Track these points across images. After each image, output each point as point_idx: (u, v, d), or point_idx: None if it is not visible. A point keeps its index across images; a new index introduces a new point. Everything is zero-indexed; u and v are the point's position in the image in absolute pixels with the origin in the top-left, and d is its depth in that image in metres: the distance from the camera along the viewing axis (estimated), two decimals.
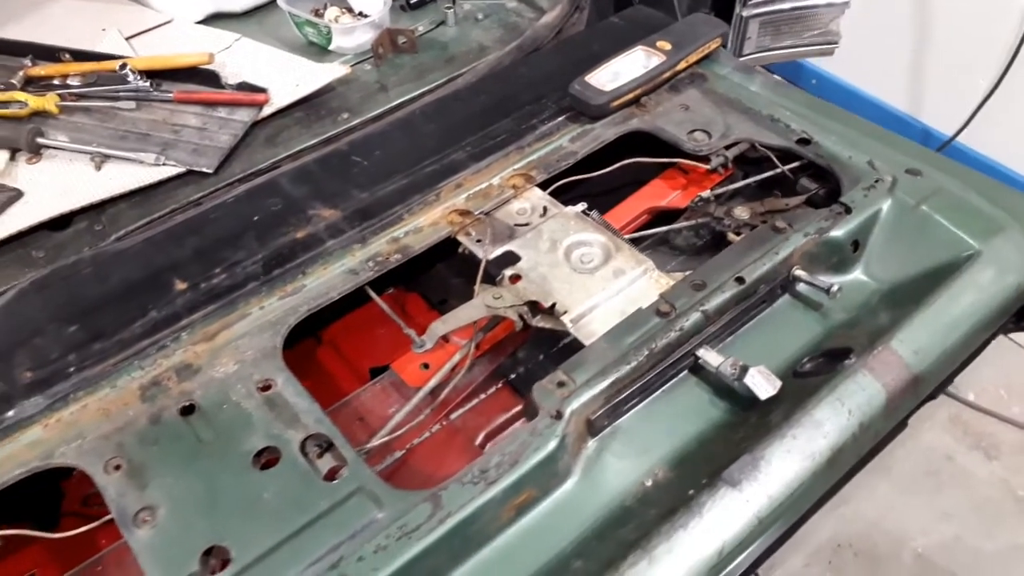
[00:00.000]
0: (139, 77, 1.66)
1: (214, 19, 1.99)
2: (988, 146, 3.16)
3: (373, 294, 1.31)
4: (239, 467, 1.06)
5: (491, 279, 1.31)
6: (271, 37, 1.93)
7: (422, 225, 1.39)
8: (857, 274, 1.33)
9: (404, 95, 1.72)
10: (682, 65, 1.61)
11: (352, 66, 1.80)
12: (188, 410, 1.13)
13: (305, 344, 1.45)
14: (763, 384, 1.11)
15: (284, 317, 1.24)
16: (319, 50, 1.88)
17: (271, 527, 0.99)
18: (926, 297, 1.20)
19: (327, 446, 1.08)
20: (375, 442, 1.16)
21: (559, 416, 1.07)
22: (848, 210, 1.32)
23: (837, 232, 1.30)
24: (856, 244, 1.32)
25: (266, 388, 1.15)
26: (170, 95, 1.67)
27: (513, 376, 1.36)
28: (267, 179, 1.48)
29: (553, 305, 1.25)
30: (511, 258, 1.33)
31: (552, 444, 1.05)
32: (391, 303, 1.47)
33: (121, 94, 1.67)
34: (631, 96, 1.55)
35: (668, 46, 1.60)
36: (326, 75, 1.71)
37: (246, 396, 1.13)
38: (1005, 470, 2.48)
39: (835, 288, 1.23)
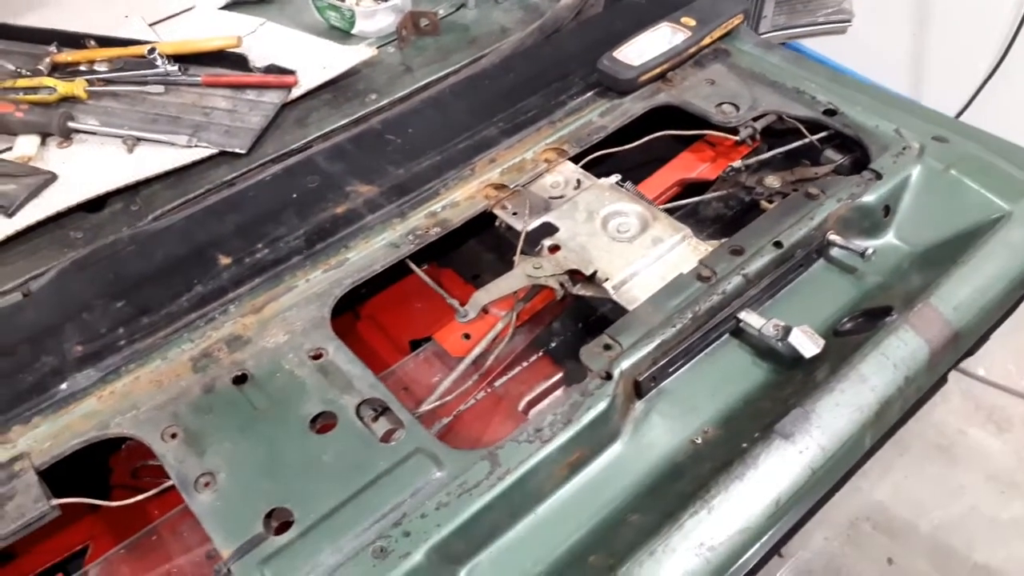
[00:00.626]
0: (167, 61, 1.67)
1: (235, 6, 2.00)
2: (990, 126, 3.19)
3: (414, 267, 1.33)
4: (296, 432, 1.07)
5: (530, 251, 1.33)
6: (293, 23, 1.94)
7: (459, 199, 1.40)
8: (890, 238, 1.35)
9: (430, 76, 1.74)
10: (706, 40, 1.63)
11: (377, 48, 1.82)
12: (241, 379, 1.14)
13: (344, 319, 1.46)
14: (807, 343, 1.14)
15: (330, 289, 1.25)
16: (342, 34, 1.89)
17: (332, 488, 1.01)
18: (961, 256, 1.22)
19: (382, 410, 1.10)
20: (425, 407, 1.18)
21: (608, 377, 1.09)
22: (879, 176, 1.35)
23: (869, 197, 1.33)
24: (887, 209, 1.35)
25: (318, 356, 1.16)
26: (198, 79, 1.68)
27: (552, 345, 1.38)
28: (303, 157, 1.50)
29: (594, 273, 1.27)
30: (549, 229, 1.35)
31: (603, 404, 1.07)
32: (421, 281, 1.50)
33: (149, 79, 1.68)
34: (658, 71, 1.57)
35: (693, 22, 1.62)
36: (353, 57, 1.72)
37: (298, 364, 1.15)
38: (1017, 442, 2.52)
39: (870, 251, 1.26)
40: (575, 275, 1.29)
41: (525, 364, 1.33)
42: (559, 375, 1.33)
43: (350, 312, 1.48)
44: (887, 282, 1.30)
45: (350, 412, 1.08)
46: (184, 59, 1.71)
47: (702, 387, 1.17)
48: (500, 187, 1.42)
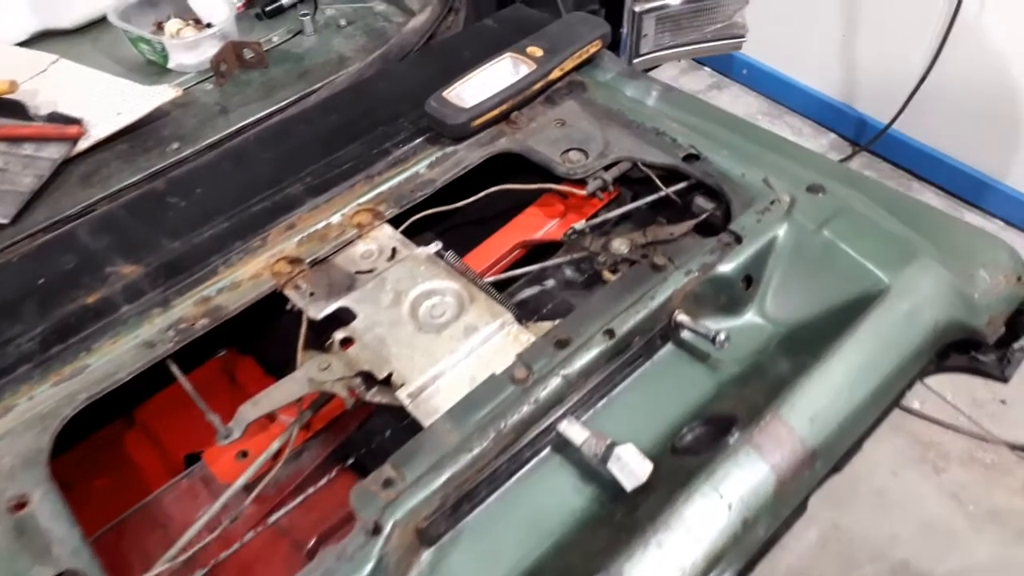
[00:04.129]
0: None
1: (42, 38, 1.75)
2: (924, 133, 3.03)
3: (176, 370, 1.09)
4: None
5: (320, 345, 1.10)
6: (106, 57, 1.69)
7: (241, 279, 1.16)
8: (751, 315, 1.14)
9: (247, 117, 1.49)
10: (556, 73, 1.40)
11: (192, 87, 1.57)
12: None
13: (113, 427, 1.22)
14: (630, 470, 0.92)
15: (57, 409, 1.01)
16: (159, 69, 1.64)
17: None
18: (824, 346, 1.00)
19: None
20: (157, 569, 0.94)
21: (377, 531, 0.86)
22: (738, 239, 1.13)
23: (725, 267, 1.11)
24: (749, 280, 1.13)
25: (19, 507, 0.92)
26: None
27: (356, 457, 1.14)
28: (63, 231, 1.25)
29: (389, 375, 1.04)
30: (346, 316, 1.12)
31: (366, 569, 0.84)
32: (217, 371, 1.26)
33: None
34: (497, 112, 1.34)
35: (539, 52, 1.39)
36: (151, 100, 1.47)
37: None
38: (954, 484, 2.33)
39: (722, 336, 1.04)
40: (369, 378, 1.06)
41: (316, 487, 1.10)
42: None
43: (124, 417, 1.24)
44: (747, 371, 1.08)
45: None
46: None
47: (508, 526, 0.95)
48: (295, 261, 1.18)
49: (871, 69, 3.10)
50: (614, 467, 0.93)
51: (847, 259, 1.11)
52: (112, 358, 1.07)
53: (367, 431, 1.18)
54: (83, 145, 1.43)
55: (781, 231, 1.14)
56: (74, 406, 1.01)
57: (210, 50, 1.61)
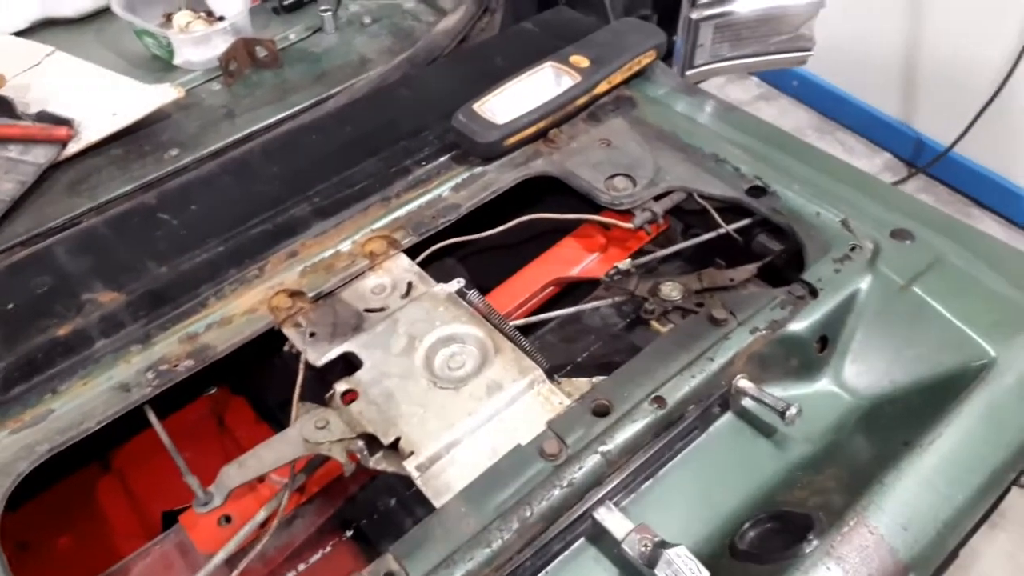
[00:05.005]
0: None
1: (43, 27, 1.61)
2: (988, 156, 2.81)
3: (153, 418, 0.94)
4: None
5: (319, 397, 0.95)
6: (109, 50, 1.56)
7: (233, 314, 1.02)
8: (825, 383, 0.96)
9: (255, 123, 1.35)
10: (603, 87, 1.23)
11: (197, 86, 1.43)
12: None
13: (86, 472, 1.08)
14: None
15: (12, 463, 0.87)
16: (164, 65, 1.50)
17: None
18: (920, 430, 0.83)
19: None
20: None
21: None
22: (814, 292, 0.96)
23: (798, 325, 0.94)
24: (824, 341, 0.96)
25: None
26: None
27: (357, 526, 0.99)
28: (39, 248, 1.11)
29: (397, 440, 0.89)
30: (351, 363, 0.96)
31: None
32: (206, 411, 1.12)
33: None
34: (534, 130, 1.18)
35: (585, 62, 1.23)
36: (151, 101, 1.33)
37: None
38: (1010, 543, 2.13)
39: (793, 410, 0.87)
40: (373, 441, 0.90)
41: (310, 561, 0.95)
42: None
43: (97, 462, 1.09)
44: (820, 453, 0.91)
45: None
46: None
47: None
48: (296, 294, 1.03)
49: (933, 86, 2.89)
50: (664, 573, 0.76)
51: (943, 323, 0.94)
52: (81, 403, 0.92)
53: (371, 493, 1.03)
54: (73, 148, 1.29)
55: (864, 284, 0.97)
56: (32, 460, 0.87)
57: (220, 46, 1.47)
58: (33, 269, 1.07)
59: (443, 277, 1.06)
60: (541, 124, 1.18)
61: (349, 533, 0.98)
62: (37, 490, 1.04)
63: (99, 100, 1.34)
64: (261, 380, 1.14)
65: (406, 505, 1.01)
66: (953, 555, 0.84)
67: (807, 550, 0.76)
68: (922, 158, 2.95)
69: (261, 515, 0.91)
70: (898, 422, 0.89)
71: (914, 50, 2.85)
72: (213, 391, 1.15)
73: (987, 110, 2.64)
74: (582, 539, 0.85)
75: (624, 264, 1.08)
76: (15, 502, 0.93)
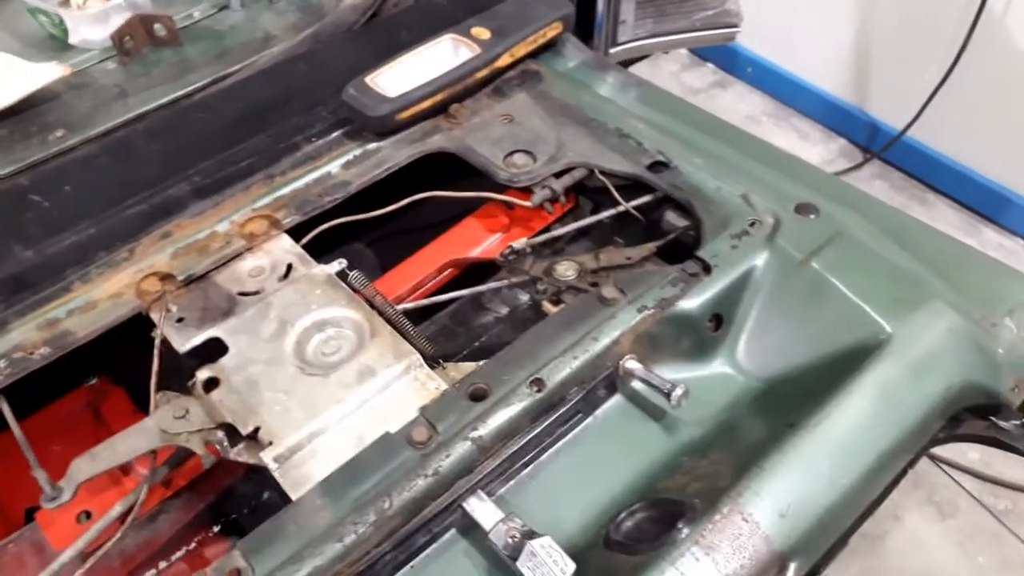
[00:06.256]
0: None
1: None
2: (941, 141, 2.80)
3: (6, 408, 0.88)
4: None
5: (181, 385, 0.89)
6: (5, 30, 1.48)
7: (98, 298, 0.95)
8: (718, 365, 0.92)
9: (149, 103, 1.27)
10: (505, 60, 1.18)
11: (91, 66, 1.36)
12: None
13: None
14: (545, 570, 0.70)
15: None
16: (60, 45, 1.43)
17: None
18: (806, 413, 0.79)
19: None
20: None
21: None
22: (707, 268, 0.91)
23: (689, 303, 0.89)
24: (718, 320, 0.91)
25: None
26: None
27: (229, 521, 0.94)
28: None
29: (257, 430, 0.83)
30: (216, 349, 0.91)
31: None
32: (83, 403, 1.05)
33: None
34: (430, 103, 1.12)
35: (487, 34, 1.17)
36: (35, 79, 1.26)
37: None
38: (960, 532, 2.11)
39: (679, 391, 0.82)
40: (233, 431, 0.84)
41: (172, 559, 0.89)
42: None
43: None
44: (708, 436, 0.86)
45: None
46: None
47: None
48: (167, 277, 0.97)
49: (886, 70, 2.87)
50: (525, 566, 0.71)
51: (841, 299, 0.89)
52: None
53: (252, 486, 0.98)
54: None
55: (760, 260, 0.93)
56: None
57: (118, 24, 1.40)
58: None
59: (334, 260, 1.00)
60: (438, 97, 1.12)
61: (217, 528, 0.92)
62: None
63: None
64: (139, 370, 1.07)
65: (287, 497, 0.96)
66: (842, 541, 0.80)
67: (677, 539, 0.71)
68: (876, 143, 2.93)
69: (117, 509, 0.85)
70: (791, 404, 0.84)
71: (866, 33, 2.82)
72: (94, 382, 1.09)
73: (938, 93, 2.61)
74: (452, 531, 0.80)
75: (519, 244, 1.03)
76: None
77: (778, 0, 3.03)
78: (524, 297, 1.12)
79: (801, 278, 0.91)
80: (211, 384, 0.87)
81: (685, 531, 0.71)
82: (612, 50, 1.52)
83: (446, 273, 1.11)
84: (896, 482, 0.84)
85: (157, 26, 1.38)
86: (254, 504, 0.96)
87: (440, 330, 1.07)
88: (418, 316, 1.04)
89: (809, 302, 0.90)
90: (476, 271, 1.13)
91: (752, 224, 0.95)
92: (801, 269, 0.92)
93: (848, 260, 0.92)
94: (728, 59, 3.32)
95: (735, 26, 1.56)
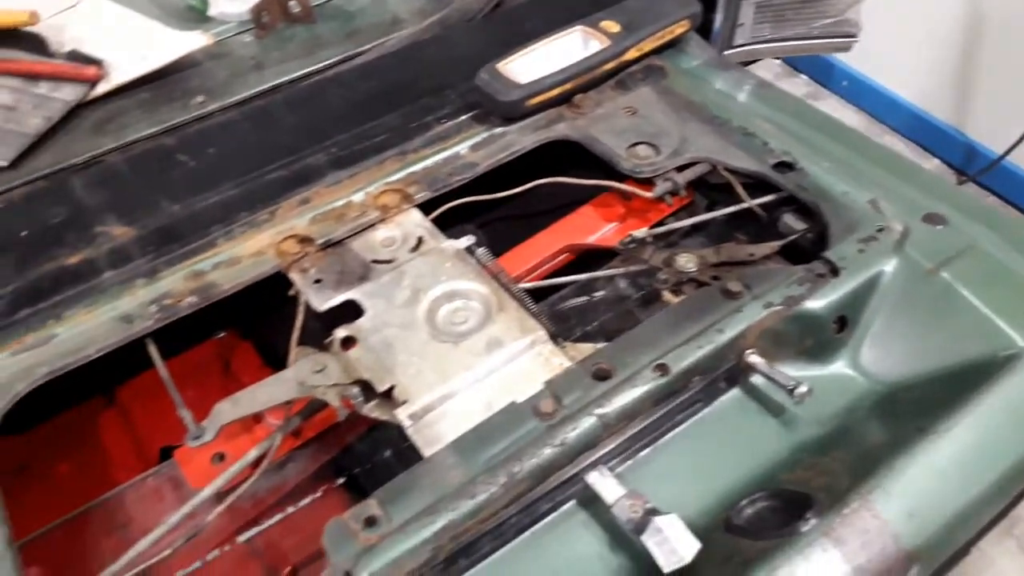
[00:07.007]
0: None
1: None
2: None
3: (154, 351, 0.94)
4: None
5: (319, 342, 0.94)
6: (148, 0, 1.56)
7: (241, 255, 1.01)
8: (841, 366, 0.92)
9: (282, 76, 1.34)
10: (632, 54, 1.20)
11: (229, 37, 1.43)
12: None
13: (92, 404, 1.09)
14: (670, 547, 0.72)
15: (10, 383, 0.87)
16: (199, 16, 1.51)
17: None
18: (937, 418, 0.79)
19: None
20: None
21: None
22: (835, 271, 0.92)
23: (816, 303, 0.90)
24: (843, 321, 0.92)
25: None
26: None
27: (351, 475, 0.98)
28: (57, 180, 1.12)
29: (391, 388, 0.87)
30: (352, 311, 0.95)
31: None
32: (212, 354, 1.11)
33: None
34: (557, 92, 1.15)
35: (616, 27, 1.20)
36: (180, 46, 1.33)
37: None
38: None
39: (803, 388, 0.83)
40: (368, 388, 0.89)
41: (298, 505, 0.94)
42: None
43: (103, 395, 1.10)
44: (830, 436, 0.87)
45: None
46: None
47: None
48: (305, 240, 1.02)
49: (987, 92, 2.79)
50: (651, 541, 0.74)
51: (970, 310, 0.89)
52: (83, 330, 0.93)
53: (369, 445, 1.02)
54: (102, 89, 1.29)
55: (889, 267, 0.93)
56: (30, 381, 0.87)
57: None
58: (49, 200, 1.08)
59: (457, 236, 1.04)
60: (565, 87, 1.15)
61: (341, 480, 0.97)
62: (43, 417, 1.05)
63: (130, 44, 1.35)
64: (269, 326, 1.13)
65: (403, 457, 1.00)
66: (963, 551, 0.80)
67: (804, 529, 0.72)
68: (973, 166, 2.85)
69: (252, 454, 0.90)
70: (915, 410, 0.85)
71: (969, 54, 2.75)
72: (222, 335, 1.15)
73: None
74: (572, 502, 0.83)
75: (640, 233, 1.05)
76: (20, 425, 0.94)
77: (879, 15, 2.98)
78: (631, 287, 1.14)
79: (929, 287, 0.91)
80: (348, 343, 0.92)
81: (813, 522, 0.72)
82: (727, 52, 1.52)
83: (561, 257, 1.14)
84: (1015, 503, 0.83)
85: (292, 3, 1.44)
86: (371, 463, 1.00)
87: (554, 312, 1.10)
88: (533, 297, 1.07)
89: (937, 312, 0.90)
90: (588, 258, 1.16)
91: (880, 230, 0.96)
92: (930, 278, 0.92)
93: (979, 272, 0.91)
94: (823, 71, 3.27)
95: (853, 36, 1.54)
